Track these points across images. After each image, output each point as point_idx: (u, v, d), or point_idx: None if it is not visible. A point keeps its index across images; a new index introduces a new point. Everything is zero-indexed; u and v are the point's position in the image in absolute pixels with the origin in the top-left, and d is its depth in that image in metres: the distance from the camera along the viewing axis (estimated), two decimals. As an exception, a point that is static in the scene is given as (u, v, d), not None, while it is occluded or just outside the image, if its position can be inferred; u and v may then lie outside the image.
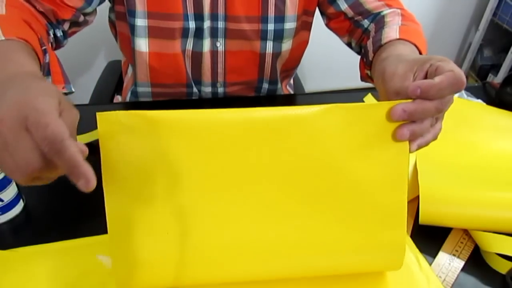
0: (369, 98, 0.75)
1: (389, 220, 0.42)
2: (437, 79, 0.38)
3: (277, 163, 0.40)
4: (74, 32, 0.67)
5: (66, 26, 0.63)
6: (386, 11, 0.68)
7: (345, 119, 0.40)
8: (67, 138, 0.30)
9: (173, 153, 0.38)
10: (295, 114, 0.39)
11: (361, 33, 0.71)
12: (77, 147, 0.30)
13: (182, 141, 0.38)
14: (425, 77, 0.41)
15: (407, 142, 0.41)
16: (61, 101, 0.33)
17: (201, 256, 0.40)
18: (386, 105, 0.39)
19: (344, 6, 0.71)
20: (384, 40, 0.58)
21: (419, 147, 0.41)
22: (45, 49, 0.50)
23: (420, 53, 0.55)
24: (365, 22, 0.70)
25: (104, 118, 0.36)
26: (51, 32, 0.60)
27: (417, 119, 0.40)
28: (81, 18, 0.65)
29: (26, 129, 0.30)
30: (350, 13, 0.71)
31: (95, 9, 0.67)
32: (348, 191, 0.41)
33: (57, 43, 0.63)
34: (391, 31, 0.59)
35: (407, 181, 0.42)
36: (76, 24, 0.66)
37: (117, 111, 0.37)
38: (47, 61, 0.51)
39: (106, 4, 0.75)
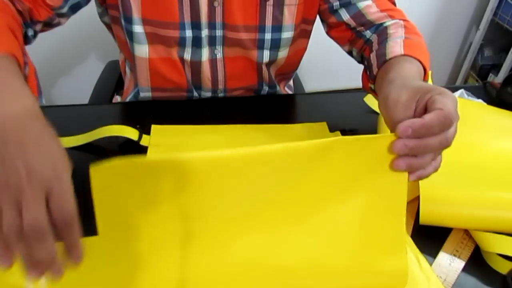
0: (369, 99, 0.74)
1: (389, 246, 0.42)
2: (427, 117, 0.39)
3: (280, 194, 0.41)
4: (44, 31, 0.66)
5: (38, 27, 0.62)
6: (388, 22, 0.67)
7: (346, 151, 0.41)
8: (75, 222, 0.35)
9: (167, 194, 0.39)
10: (297, 147, 0.40)
11: (363, 43, 0.70)
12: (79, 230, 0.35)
13: (177, 182, 0.38)
14: (425, 108, 0.41)
15: (406, 173, 0.41)
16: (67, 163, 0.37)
17: None
18: (388, 137, 0.40)
19: (346, 17, 0.70)
20: (388, 56, 0.57)
21: (419, 179, 0.42)
22: (26, 61, 0.50)
23: (424, 69, 0.55)
24: (367, 33, 0.69)
25: (97, 170, 0.37)
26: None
27: (419, 154, 0.40)
28: (55, 20, 0.64)
29: (45, 197, 0.33)
30: (352, 23, 0.70)
31: (71, 12, 0.66)
32: (348, 220, 0.42)
33: (26, 42, 0.62)
34: (396, 46, 0.58)
35: (405, 210, 0.42)
36: (48, 25, 0.65)
37: (109, 163, 0.37)
38: (26, 74, 0.51)
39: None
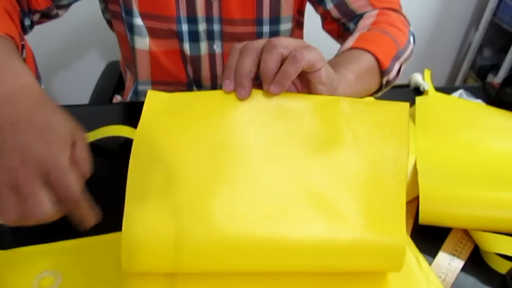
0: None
1: (388, 219, 0.42)
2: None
3: (283, 147, 0.42)
4: (41, 23, 0.65)
5: (36, 17, 0.62)
6: (367, 12, 0.66)
7: (347, 111, 0.43)
8: (81, 198, 0.34)
9: (201, 132, 0.42)
10: (304, 102, 0.43)
11: (348, 37, 0.69)
12: (87, 201, 0.35)
13: (214, 120, 0.42)
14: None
15: (407, 140, 0.42)
16: (72, 133, 0.36)
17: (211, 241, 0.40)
18: (391, 104, 0.42)
19: (330, 5, 0.69)
20: (339, 51, 0.56)
21: (283, 80, 0.41)
22: (23, 44, 0.50)
23: (376, 58, 0.54)
24: (351, 25, 0.68)
25: (152, 95, 0.44)
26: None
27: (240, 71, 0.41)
28: (54, 11, 0.64)
29: (44, 183, 0.32)
30: (335, 13, 0.69)
31: (70, 5, 0.66)
32: (347, 184, 0.42)
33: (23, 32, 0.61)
34: (349, 40, 0.57)
35: (405, 182, 0.42)
36: (46, 16, 0.64)
37: (164, 93, 0.44)
38: (23, 57, 0.50)
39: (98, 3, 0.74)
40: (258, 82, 0.43)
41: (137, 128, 0.42)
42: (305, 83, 0.44)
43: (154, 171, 0.41)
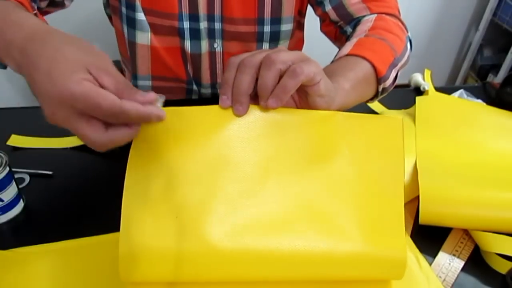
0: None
1: (387, 232, 0.42)
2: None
3: (280, 163, 0.42)
4: (47, 13, 0.65)
5: (43, 3, 0.61)
6: (365, 17, 0.65)
7: (345, 125, 0.43)
8: (121, 105, 0.34)
9: (198, 147, 0.41)
10: (300, 117, 0.43)
11: (345, 41, 0.67)
12: (139, 99, 0.36)
13: (208, 135, 0.42)
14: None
15: (403, 154, 0.42)
16: (89, 63, 0.37)
17: (208, 251, 0.40)
18: (386, 118, 0.42)
19: (328, 7, 0.68)
20: (336, 56, 0.56)
21: (282, 94, 0.41)
22: (36, 13, 0.50)
23: (373, 65, 0.53)
24: (348, 29, 0.68)
25: None
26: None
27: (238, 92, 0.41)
28: None
29: (81, 114, 0.34)
30: (333, 15, 0.69)
31: None
32: (345, 198, 0.42)
33: None
34: (347, 46, 0.56)
35: (403, 194, 0.42)
36: (53, 4, 0.64)
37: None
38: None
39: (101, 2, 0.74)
40: (253, 94, 0.42)
41: (132, 142, 0.41)
42: (303, 96, 0.43)
43: (150, 184, 0.40)
